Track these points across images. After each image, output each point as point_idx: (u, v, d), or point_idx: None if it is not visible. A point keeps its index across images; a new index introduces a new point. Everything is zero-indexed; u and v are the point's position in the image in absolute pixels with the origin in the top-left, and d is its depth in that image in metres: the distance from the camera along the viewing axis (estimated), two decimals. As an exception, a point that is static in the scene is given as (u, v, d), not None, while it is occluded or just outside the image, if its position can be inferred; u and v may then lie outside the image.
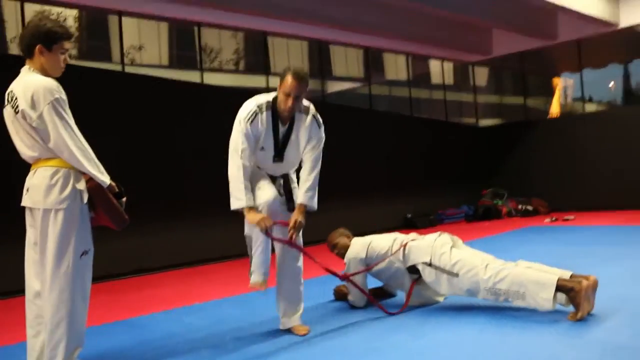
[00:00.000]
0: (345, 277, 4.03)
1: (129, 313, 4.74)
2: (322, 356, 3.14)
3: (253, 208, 3.49)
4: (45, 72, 2.94)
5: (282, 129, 3.59)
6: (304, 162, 3.68)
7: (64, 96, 2.89)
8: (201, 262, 7.66)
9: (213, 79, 10.25)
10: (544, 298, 3.38)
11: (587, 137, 11.34)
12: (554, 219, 9.99)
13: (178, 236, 7.56)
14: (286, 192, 3.68)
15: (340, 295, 4.47)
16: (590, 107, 13.15)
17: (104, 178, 2.95)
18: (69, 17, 9.25)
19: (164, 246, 7.43)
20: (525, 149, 12.32)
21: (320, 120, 3.69)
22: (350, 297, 4.23)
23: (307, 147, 3.65)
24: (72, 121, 2.89)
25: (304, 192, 3.62)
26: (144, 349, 3.51)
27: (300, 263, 3.73)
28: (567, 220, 9.76)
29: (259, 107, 3.53)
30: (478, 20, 10.74)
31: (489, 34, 13.02)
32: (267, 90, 10.22)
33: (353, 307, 4.21)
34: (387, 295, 4.48)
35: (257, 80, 11.41)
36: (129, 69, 9.07)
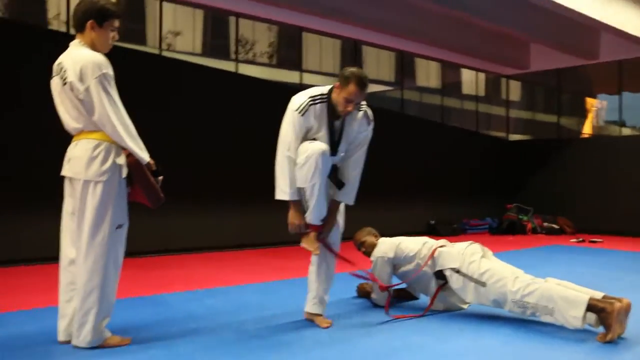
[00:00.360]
0: (386, 288, 4.02)
1: (153, 290, 4.80)
2: (345, 351, 3.13)
3: (298, 203, 3.50)
4: (94, 47, 3.03)
5: (337, 124, 3.57)
6: (347, 157, 3.67)
7: (111, 72, 2.97)
8: (224, 248, 7.73)
9: (245, 70, 10.28)
10: (574, 316, 3.32)
11: (619, 160, 11.13)
12: (580, 239, 9.84)
13: (203, 220, 7.64)
14: (337, 182, 3.67)
15: (363, 293, 4.45)
16: (624, 132, 12.96)
17: (144, 155, 3.01)
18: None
19: (188, 229, 7.51)
20: (554, 167, 12.13)
21: (371, 116, 3.68)
22: (373, 295, 4.22)
23: (354, 143, 3.65)
24: (117, 97, 2.97)
25: (344, 190, 3.64)
26: (168, 326, 3.54)
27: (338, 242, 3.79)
28: (594, 242, 9.60)
29: (312, 98, 3.51)
30: (517, 33, 10.61)
31: (527, 48, 12.89)
32: (301, 86, 10.28)
33: (376, 306, 4.19)
34: (410, 298, 4.45)
35: (289, 76, 11.42)
36: (164, 54, 9.14)
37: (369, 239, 4.40)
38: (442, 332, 3.52)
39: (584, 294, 3.36)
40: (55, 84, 3.03)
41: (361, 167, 3.70)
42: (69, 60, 2.94)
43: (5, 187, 5.99)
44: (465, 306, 4.11)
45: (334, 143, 3.56)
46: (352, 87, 3.42)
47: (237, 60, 10.11)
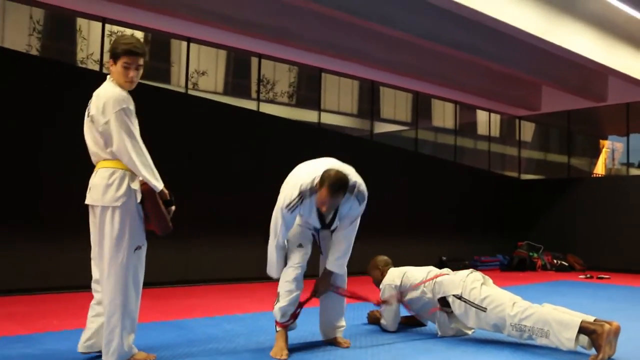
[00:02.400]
0: (378, 303, 4.34)
1: (174, 316, 5.07)
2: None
3: None
4: (117, 83, 3.27)
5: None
6: (339, 229, 3.77)
7: (131, 107, 3.22)
8: (242, 280, 7.99)
9: (266, 109, 10.67)
10: (567, 337, 3.57)
11: (628, 199, 11.37)
12: (588, 276, 10.00)
13: (220, 253, 7.93)
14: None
15: (373, 319, 4.72)
16: (634, 173, 13.14)
17: (157, 183, 3.21)
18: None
19: (205, 261, 7.80)
20: (565, 206, 12.38)
21: (365, 194, 3.68)
22: (382, 321, 4.49)
23: (345, 220, 3.73)
24: (136, 129, 3.20)
25: (335, 259, 3.78)
26: (190, 346, 3.79)
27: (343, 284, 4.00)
28: (602, 278, 9.76)
29: (302, 194, 3.55)
30: (528, 76, 10.99)
31: (539, 90, 13.25)
32: (319, 125, 10.61)
33: (385, 331, 4.46)
34: (417, 324, 4.71)
35: (308, 115, 11.77)
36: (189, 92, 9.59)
37: (377, 272, 4.71)
38: (447, 354, 3.77)
39: (576, 317, 3.62)
40: (85, 117, 3.31)
41: (352, 240, 3.79)
42: (95, 96, 3.24)
43: (37, 218, 6.35)
44: (469, 332, 4.37)
45: (325, 223, 3.75)
46: (322, 191, 3.43)
47: (258, 100, 10.53)
